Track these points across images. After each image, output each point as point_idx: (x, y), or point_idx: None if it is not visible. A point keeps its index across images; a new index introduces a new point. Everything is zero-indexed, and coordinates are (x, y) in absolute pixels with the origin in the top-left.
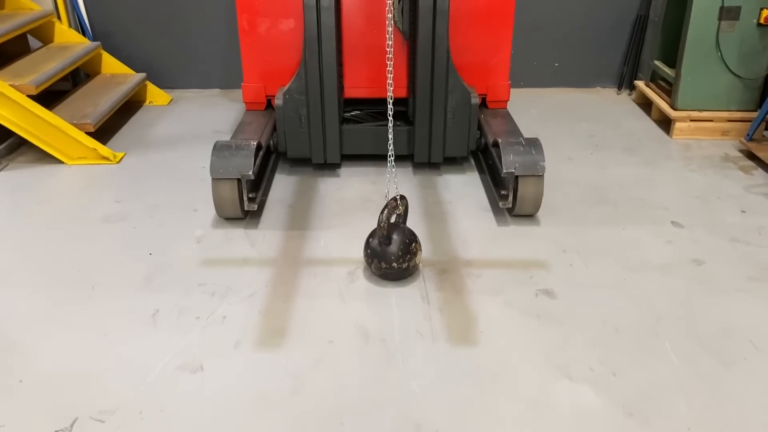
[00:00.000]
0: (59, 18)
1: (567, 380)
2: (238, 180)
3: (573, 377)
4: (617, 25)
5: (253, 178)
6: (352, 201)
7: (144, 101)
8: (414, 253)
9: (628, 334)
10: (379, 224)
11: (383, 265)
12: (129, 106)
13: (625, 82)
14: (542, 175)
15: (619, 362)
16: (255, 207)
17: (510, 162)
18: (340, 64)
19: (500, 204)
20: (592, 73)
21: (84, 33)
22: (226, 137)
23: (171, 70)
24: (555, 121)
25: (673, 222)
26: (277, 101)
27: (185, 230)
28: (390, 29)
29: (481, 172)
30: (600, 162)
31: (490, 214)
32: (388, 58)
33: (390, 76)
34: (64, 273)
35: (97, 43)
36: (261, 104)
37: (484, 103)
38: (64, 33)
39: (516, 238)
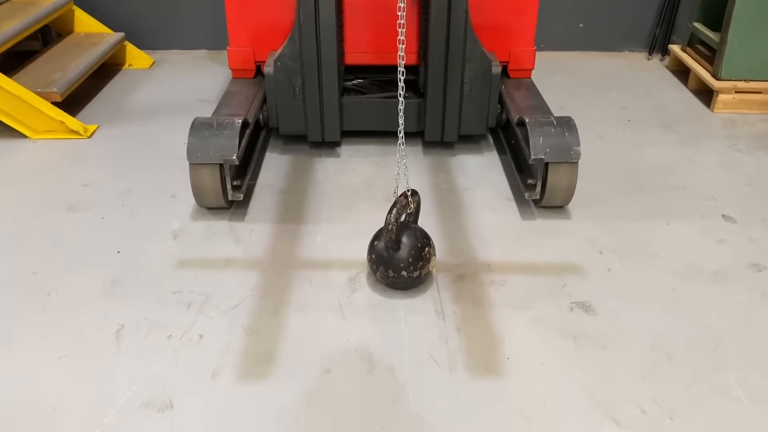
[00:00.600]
0: None
1: (613, 425)
2: (220, 165)
3: (620, 421)
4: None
5: (237, 163)
6: (353, 187)
7: (123, 64)
8: (427, 259)
9: (683, 362)
10: (386, 225)
11: (391, 273)
12: (105, 70)
13: (657, 45)
14: (576, 162)
15: (676, 400)
16: (240, 196)
17: (539, 146)
18: (340, 25)
19: (526, 195)
20: (620, 35)
21: None
22: (213, 107)
23: (153, 28)
24: (580, 90)
25: (723, 216)
26: (267, 69)
27: (160, 222)
28: None
29: (501, 152)
30: (634, 140)
31: (513, 205)
32: (400, 23)
33: (402, 46)
34: (17, 276)
35: None
36: (250, 71)
37: (505, 72)
38: None
39: (544, 235)
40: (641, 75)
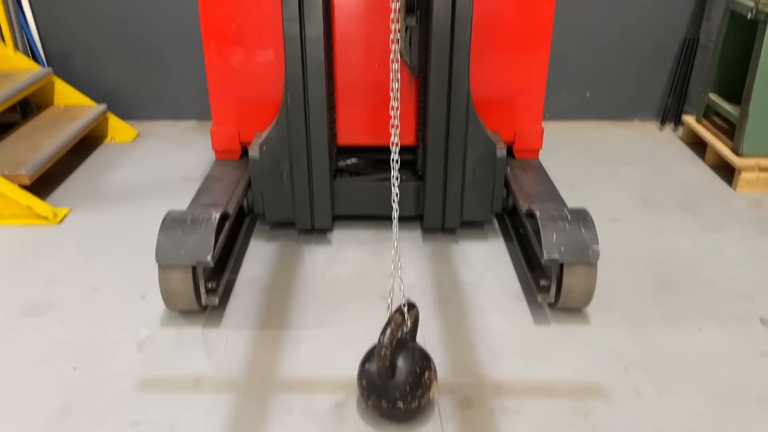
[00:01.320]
0: (3, 40)
1: None
2: (193, 267)
3: None
4: (660, 49)
5: (212, 264)
6: (345, 281)
7: (104, 137)
8: (427, 386)
9: None
10: (379, 348)
11: (385, 404)
12: (85, 144)
13: (669, 115)
14: (595, 263)
15: None
16: (216, 301)
17: (552, 245)
18: (331, 106)
19: (539, 298)
20: (630, 104)
21: (35, 57)
22: (197, 186)
23: (139, 98)
24: (590, 165)
25: (762, 320)
26: (252, 154)
27: (126, 329)
28: (395, 65)
29: (507, 239)
30: (653, 224)
31: (524, 305)
32: (393, 106)
33: (395, 131)
34: None
35: (48, 69)
36: (234, 153)
37: (510, 152)
38: (8, 58)
39: (561, 345)
40: (654, 147)
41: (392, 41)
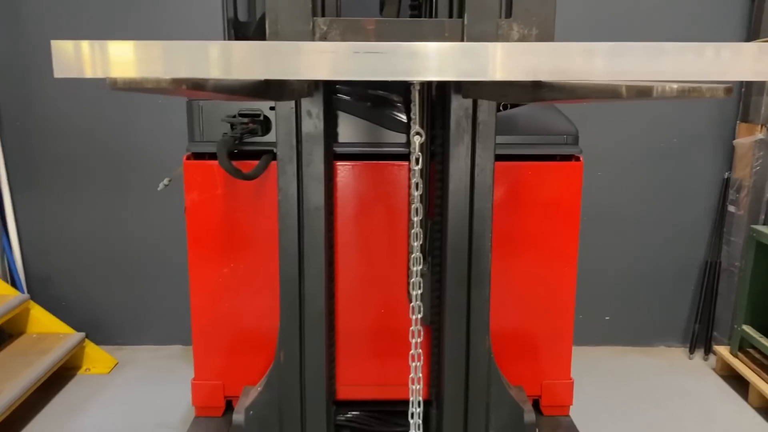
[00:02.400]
0: None
1: None
2: None
3: None
4: (680, 273)
5: None
6: None
7: (80, 367)
8: None
9: None
10: None
11: None
12: (57, 376)
13: (697, 342)
14: None
15: None
16: None
17: None
18: (331, 359)
19: None
20: (653, 329)
21: (14, 281)
22: None
23: (121, 321)
24: (621, 408)
25: None
26: (237, 418)
27: None
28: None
29: None
30: None
31: None
32: (413, 355)
33: (417, 388)
34: None
35: (26, 296)
36: (217, 409)
37: (536, 406)
38: None
39: None
40: (687, 381)
41: (412, 299)
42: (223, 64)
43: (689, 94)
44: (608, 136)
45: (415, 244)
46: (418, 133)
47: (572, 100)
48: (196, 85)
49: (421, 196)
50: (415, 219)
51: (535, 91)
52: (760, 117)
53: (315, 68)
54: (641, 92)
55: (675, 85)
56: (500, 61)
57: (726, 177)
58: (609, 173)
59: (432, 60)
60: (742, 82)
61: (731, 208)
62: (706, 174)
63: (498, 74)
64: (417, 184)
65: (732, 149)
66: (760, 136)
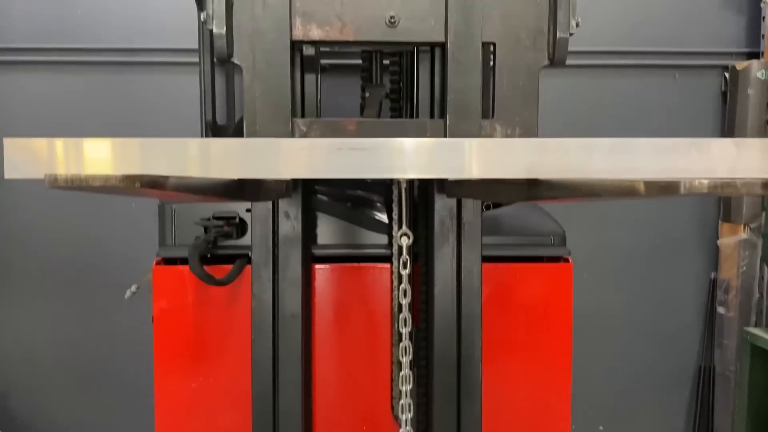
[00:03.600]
0: None
1: None
2: None
3: None
4: (674, 379)
5: None
6: None
7: None
8: None
9: None
10: None
11: None
12: None
13: None
14: None
15: None
16: None
17: None
18: None
19: None
20: None
21: None
22: None
23: None
24: None
25: None
26: None
27: None
28: None
29: None
30: None
31: None
32: None
33: None
34: None
35: None
36: None
37: None
38: None
39: None
40: None
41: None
42: (191, 160)
43: (722, 190)
44: (590, 238)
45: (404, 360)
46: (405, 235)
47: (573, 198)
48: (153, 183)
49: (409, 304)
50: (404, 330)
51: (531, 189)
52: (742, 217)
53: (294, 166)
54: (665, 189)
55: (705, 181)
56: (492, 156)
57: (713, 278)
58: (594, 276)
59: (418, 156)
60: None
61: (721, 310)
62: (692, 275)
63: (485, 171)
64: (405, 291)
65: (716, 249)
66: (744, 236)
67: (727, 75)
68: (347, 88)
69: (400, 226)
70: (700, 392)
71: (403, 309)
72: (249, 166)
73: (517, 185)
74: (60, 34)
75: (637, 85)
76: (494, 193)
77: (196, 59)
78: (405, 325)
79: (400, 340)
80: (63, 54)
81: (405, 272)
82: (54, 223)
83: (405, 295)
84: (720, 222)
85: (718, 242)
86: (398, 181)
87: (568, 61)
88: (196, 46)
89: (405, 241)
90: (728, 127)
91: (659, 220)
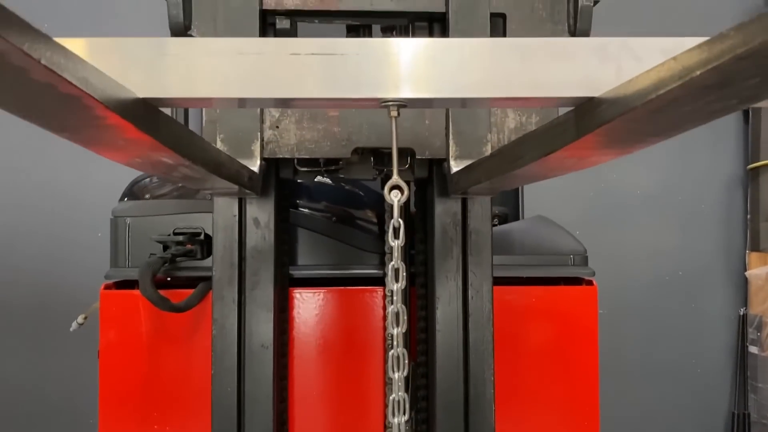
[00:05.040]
0: None
1: None
2: None
3: None
4: (704, 428)
5: None
6: None
7: None
8: None
9: None
10: None
11: None
12: None
13: None
14: None
15: None
16: None
17: None
18: None
19: None
20: None
21: None
22: None
23: None
24: None
25: None
26: None
27: None
28: None
29: None
30: None
31: None
32: None
33: None
34: None
35: None
36: None
37: None
38: None
39: None
40: None
41: None
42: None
43: None
44: (604, 269)
45: (396, 419)
46: (397, 187)
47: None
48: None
49: (404, 334)
50: (396, 375)
51: (582, 119)
52: None
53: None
54: None
55: None
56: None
57: (742, 313)
58: (609, 311)
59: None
60: (746, 208)
61: (753, 349)
62: (719, 310)
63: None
64: (397, 315)
65: (745, 281)
66: None
67: None
68: None
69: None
70: None
71: (397, 344)
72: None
73: (558, 125)
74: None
75: None
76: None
77: None
78: (397, 368)
79: (393, 393)
80: None
81: (396, 286)
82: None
83: (396, 322)
84: (747, 251)
85: (747, 274)
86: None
87: None
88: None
89: (396, 197)
90: (752, 154)
91: (680, 248)
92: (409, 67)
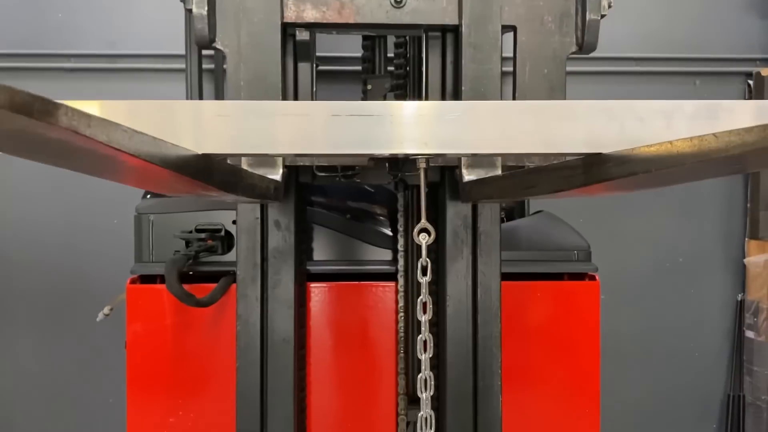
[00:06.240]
0: None
1: None
2: None
3: None
4: (701, 409)
5: None
6: None
7: None
8: None
9: None
10: None
11: None
12: None
13: None
14: None
15: None
16: None
17: None
18: None
19: None
20: None
21: None
22: None
23: None
24: None
25: None
26: None
27: None
28: None
29: None
30: None
31: None
32: None
33: None
34: None
35: None
36: None
37: None
38: None
39: None
40: None
41: None
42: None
43: None
44: (606, 258)
45: (424, 395)
46: (424, 231)
47: (645, 185)
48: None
49: (430, 321)
50: (423, 357)
51: (589, 171)
52: None
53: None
54: None
55: None
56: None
57: (740, 299)
58: (611, 297)
59: (441, 125)
60: (747, 196)
61: (749, 334)
62: (718, 296)
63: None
64: (425, 305)
65: (743, 268)
66: None
67: (751, 82)
68: (345, 96)
69: (418, 220)
70: (729, 424)
71: (424, 329)
72: (218, 136)
73: (568, 169)
74: (40, 39)
75: (656, 92)
76: (530, 185)
77: (181, 65)
78: (425, 351)
79: (420, 371)
80: (42, 60)
81: (425, 279)
82: (26, 233)
83: (424, 311)
84: (746, 239)
85: (745, 261)
86: (417, 161)
87: (585, 69)
88: (183, 52)
89: (424, 240)
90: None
91: (680, 237)
92: (435, 127)
